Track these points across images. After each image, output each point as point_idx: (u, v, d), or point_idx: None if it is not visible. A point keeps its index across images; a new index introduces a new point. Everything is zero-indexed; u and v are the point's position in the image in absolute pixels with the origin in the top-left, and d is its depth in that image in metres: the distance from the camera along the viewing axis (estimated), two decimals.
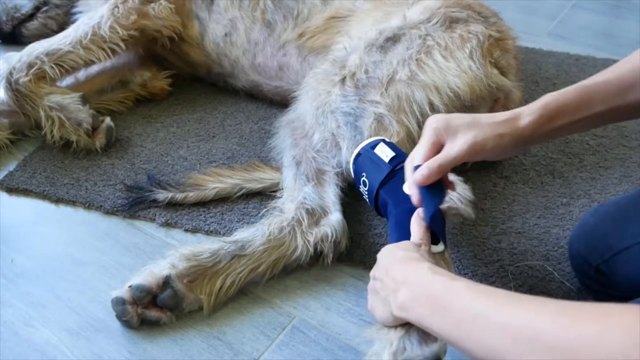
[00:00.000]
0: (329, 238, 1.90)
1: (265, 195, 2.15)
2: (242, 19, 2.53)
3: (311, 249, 1.88)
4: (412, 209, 1.65)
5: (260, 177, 2.18)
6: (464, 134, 1.56)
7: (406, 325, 1.44)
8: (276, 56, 2.52)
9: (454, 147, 1.56)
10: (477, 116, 1.59)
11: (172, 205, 2.13)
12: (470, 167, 2.24)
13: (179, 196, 2.13)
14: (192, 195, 2.13)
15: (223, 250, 1.83)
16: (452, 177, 1.73)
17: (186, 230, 2.07)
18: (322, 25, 2.40)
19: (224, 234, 2.02)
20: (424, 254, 1.49)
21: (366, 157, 1.83)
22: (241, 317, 1.79)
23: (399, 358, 1.44)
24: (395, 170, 1.77)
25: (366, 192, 1.83)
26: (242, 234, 1.89)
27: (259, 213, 2.09)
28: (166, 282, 1.75)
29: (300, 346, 1.72)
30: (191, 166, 2.31)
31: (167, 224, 2.09)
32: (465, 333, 1.18)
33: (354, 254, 1.96)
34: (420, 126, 1.99)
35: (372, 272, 1.55)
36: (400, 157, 1.78)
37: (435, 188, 1.60)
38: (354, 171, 1.86)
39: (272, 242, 1.86)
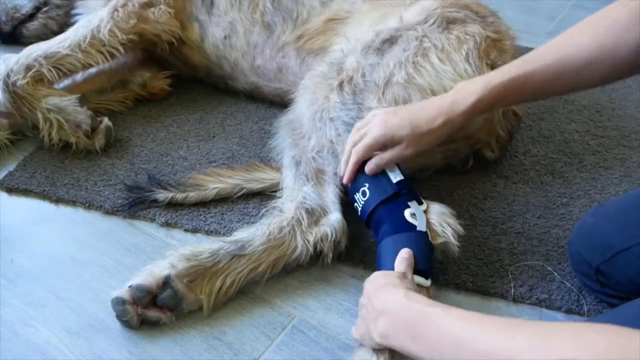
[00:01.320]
0: (329, 238, 1.89)
1: (265, 195, 2.15)
2: (242, 21, 2.54)
3: (311, 249, 1.88)
4: (411, 236, 1.74)
5: (260, 177, 2.19)
6: (408, 144, 1.78)
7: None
8: (275, 58, 2.52)
9: (404, 152, 1.80)
10: (417, 125, 1.76)
11: (172, 205, 2.13)
12: (471, 168, 2.26)
13: (179, 196, 2.13)
14: (192, 195, 2.13)
15: (223, 250, 1.83)
16: (443, 208, 1.87)
17: (186, 230, 2.07)
18: (321, 27, 2.40)
19: (224, 234, 2.02)
20: (407, 283, 1.55)
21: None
22: (241, 317, 1.79)
23: None
24: (401, 194, 1.82)
25: (362, 202, 1.85)
26: (242, 234, 1.89)
27: (259, 213, 2.09)
28: (166, 282, 1.75)
29: (300, 346, 1.72)
30: (191, 166, 2.32)
31: (167, 224, 2.09)
32: (445, 357, 1.23)
33: (354, 253, 1.96)
34: None
35: (360, 300, 1.62)
36: (406, 182, 1.84)
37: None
38: (355, 179, 1.88)
39: (272, 241, 1.86)
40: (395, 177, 1.82)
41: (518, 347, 1.08)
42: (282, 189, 2.05)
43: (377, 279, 1.59)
